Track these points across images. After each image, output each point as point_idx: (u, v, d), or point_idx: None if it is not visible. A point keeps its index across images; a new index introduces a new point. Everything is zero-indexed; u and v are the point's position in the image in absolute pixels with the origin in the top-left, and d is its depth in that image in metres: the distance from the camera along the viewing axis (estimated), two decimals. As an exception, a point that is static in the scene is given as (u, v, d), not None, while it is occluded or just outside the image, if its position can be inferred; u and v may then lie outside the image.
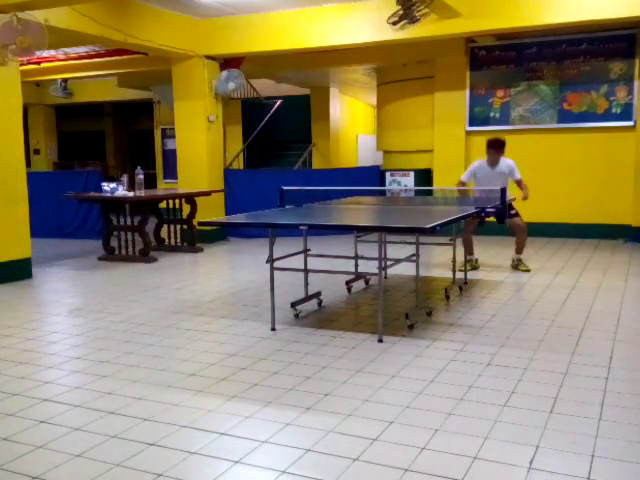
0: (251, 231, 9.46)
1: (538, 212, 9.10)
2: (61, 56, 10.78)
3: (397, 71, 10.54)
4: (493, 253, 7.75)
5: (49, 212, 9.81)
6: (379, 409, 3.18)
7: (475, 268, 6.95)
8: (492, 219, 6.48)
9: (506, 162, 6.76)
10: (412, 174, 10.07)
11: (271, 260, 4.70)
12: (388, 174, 10.35)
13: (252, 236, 9.47)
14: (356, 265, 5.92)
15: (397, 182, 10.17)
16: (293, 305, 5.08)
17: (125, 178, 8.37)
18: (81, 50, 10.38)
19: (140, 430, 2.99)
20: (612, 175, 8.92)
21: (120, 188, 8.07)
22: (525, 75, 9.29)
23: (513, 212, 6.76)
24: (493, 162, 6.73)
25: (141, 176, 8.23)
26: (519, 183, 6.73)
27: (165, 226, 9.00)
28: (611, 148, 8.91)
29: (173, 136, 10.50)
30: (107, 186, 8.15)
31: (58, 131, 16.62)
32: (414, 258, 4.88)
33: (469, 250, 6.91)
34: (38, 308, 5.70)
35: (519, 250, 6.86)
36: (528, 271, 6.70)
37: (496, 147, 6.72)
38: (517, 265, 6.85)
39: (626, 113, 8.78)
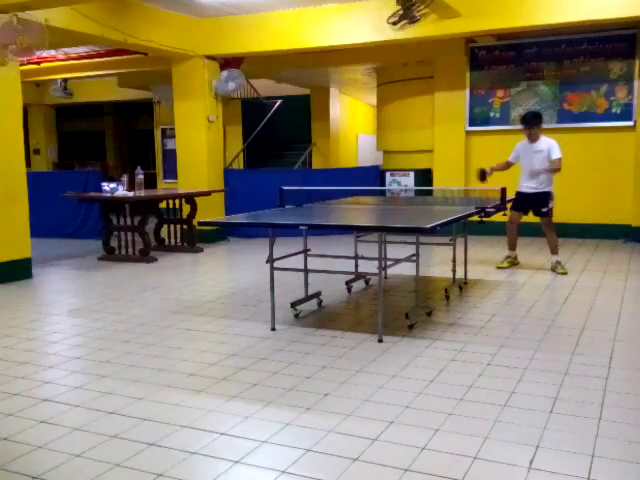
0: (251, 231, 9.47)
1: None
2: (61, 56, 10.78)
3: (397, 71, 10.54)
4: (493, 253, 7.75)
5: (49, 212, 9.81)
6: (379, 409, 3.18)
7: (514, 264, 6.95)
8: (494, 218, 6.49)
9: (547, 141, 6.63)
10: (412, 174, 10.08)
11: (271, 260, 4.70)
12: (388, 174, 10.35)
13: (252, 236, 9.47)
14: (356, 265, 5.92)
15: (397, 182, 10.17)
16: (293, 305, 5.08)
17: (125, 178, 8.37)
18: (81, 50, 10.38)
19: (140, 430, 2.99)
20: (612, 175, 8.93)
21: (120, 188, 8.07)
22: (525, 75, 9.29)
23: (545, 210, 6.66)
24: (531, 138, 6.63)
25: (141, 176, 8.24)
26: (553, 162, 6.54)
27: (165, 226, 9.00)
28: (611, 148, 8.91)
29: (173, 136, 10.50)
30: (107, 186, 8.15)
31: (58, 131, 16.62)
32: (414, 258, 4.88)
33: (511, 246, 6.96)
34: (38, 308, 5.70)
35: (553, 251, 6.77)
36: (565, 274, 6.56)
37: (526, 121, 6.64)
38: (555, 267, 6.71)
39: (626, 113, 8.78)
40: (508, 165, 6.91)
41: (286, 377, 3.67)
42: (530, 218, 6.93)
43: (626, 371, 3.69)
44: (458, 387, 3.45)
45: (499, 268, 6.87)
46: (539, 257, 7.61)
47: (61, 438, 2.92)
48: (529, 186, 6.68)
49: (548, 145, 6.57)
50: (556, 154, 6.50)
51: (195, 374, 3.76)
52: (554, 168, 6.52)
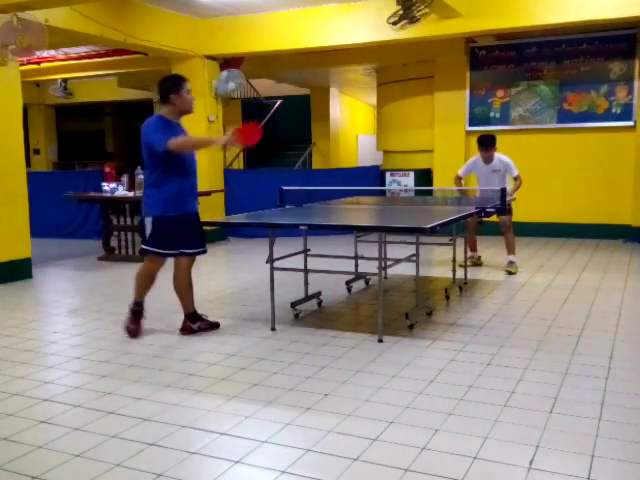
0: (251, 231, 9.46)
1: (538, 212, 9.12)
2: (61, 56, 10.78)
3: (397, 71, 10.55)
4: (493, 253, 7.74)
5: (49, 212, 9.81)
6: (379, 409, 3.18)
7: (477, 265, 7.01)
8: (493, 218, 6.52)
9: (501, 159, 6.70)
10: (412, 174, 10.07)
11: (271, 260, 4.70)
12: (388, 174, 10.34)
13: (252, 236, 9.47)
14: (356, 265, 5.92)
15: (397, 182, 10.17)
16: (293, 305, 5.08)
17: (125, 178, 8.37)
18: (81, 50, 10.38)
19: (140, 430, 2.99)
20: (612, 175, 8.93)
21: (120, 188, 8.07)
22: (525, 75, 9.29)
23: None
24: (486, 159, 6.71)
25: (141, 176, 8.21)
26: (516, 179, 6.70)
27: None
28: (611, 148, 8.91)
29: (173, 136, 10.48)
30: (107, 186, 8.15)
31: (58, 131, 16.61)
32: (414, 258, 4.88)
33: (471, 247, 7.01)
34: (38, 308, 5.70)
35: (509, 250, 6.79)
36: (512, 273, 6.59)
37: (484, 144, 6.70)
38: (507, 266, 6.73)
39: (626, 113, 8.78)
40: (459, 179, 6.91)
41: (286, 377, 3.67)
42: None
43: (626, 371, 3.69)
44: (458, 387, 3.45)
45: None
46: (537, 258, 7.62)
47: (61, 438, 2.92)
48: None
49: (504, 164, 6.67)
50: (516, 171, 6.68)
51: (195, 374, 3.76)
52: (520, 185, 6.69)
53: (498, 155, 6.73)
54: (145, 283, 4.71)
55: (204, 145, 4.33)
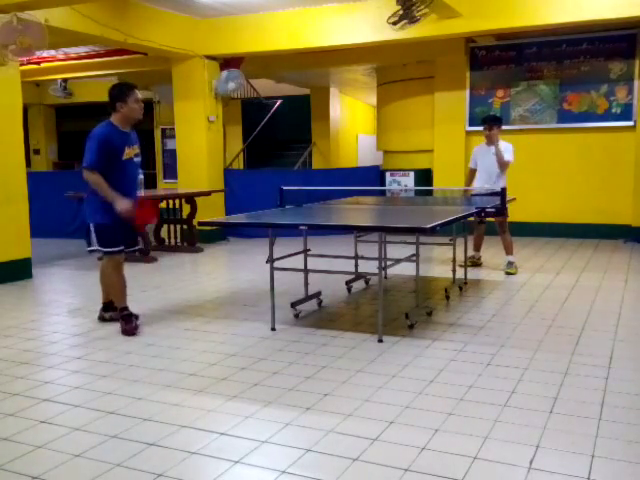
0: (251, 231, 9.46)
1: (538, 212, 9.13)
2: (61, 56, 10.78)
3: (397, 71, 10.54)
4: (493, 253, 7.74)
5: (49, 212, 9.80)
6: (379, 409, 3.18)
7: (477, 265, 7.01)
8: (489, 219, 6.53)
9: (504, 144, 6.76)
10: (412, 174, 10.08)
11: (271, 260, 4.70)
12: (388, 174, 10.35)
13: (252, 236, 9.47)
14: (356, 265, 5.92)
15: (397, 182, 10.17)
16: (293, 305, 5.08)
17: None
18: (81, 50, 10.38)
19: (140, 430, 2.99)
20: (612, 175, 8.93)
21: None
22: (525, 75, 9.29)
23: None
24: (489, 140, 6.75)
25: (141, 176, 8.21)
26: (505, 162, 6.67)
27: (165, 226, 8.99)
28: (611, 148, 8.91)
29: (173, 136, 10.50)
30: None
31: (58, 131, 16.60)
32: (414, 258, 4.88)
33: (475, 246, 7.05)
34: (38, 308, 5.70)
35: (507, 251, 6.77)
36: (511, 274, 6.57)
37: (487, 121, 6.81)
38: (505, 267, 6.72)
39: (626, 113, 8.78)
40: (473, 173, 7.03)
41: (286, 377, 3.67)
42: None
43: (626, 371, 3.69)
44: (458, 387, 3.45)
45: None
46: (537, 258, 7.62)
47: (61, 438, 2.92)
48: (486, 188, 6.68)
49: (505, 148, 6.71)
50: (509, 157, 6.66)
51: (195, 374, 3.76)
52: (501, 162, 6.64)
53: (503, 141, 6.78)
54: (117, 285, 4.79)
55: (104, 195, 4.52)
